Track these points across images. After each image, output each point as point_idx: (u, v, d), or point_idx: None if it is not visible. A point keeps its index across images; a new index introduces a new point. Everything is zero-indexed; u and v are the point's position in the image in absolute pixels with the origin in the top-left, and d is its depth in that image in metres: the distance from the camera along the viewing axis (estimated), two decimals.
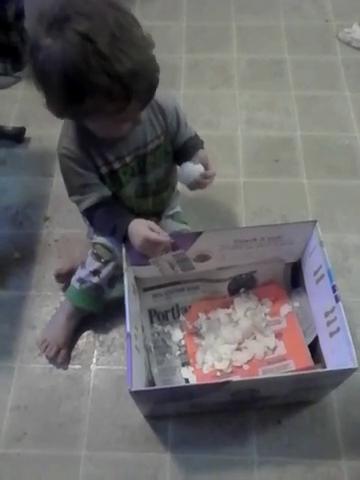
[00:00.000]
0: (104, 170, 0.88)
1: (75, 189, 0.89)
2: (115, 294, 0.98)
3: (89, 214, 0.91)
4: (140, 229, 0.85)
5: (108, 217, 0.89)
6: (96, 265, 0.93)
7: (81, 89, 0.68)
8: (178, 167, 0.91)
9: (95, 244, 0.94)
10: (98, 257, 0.93)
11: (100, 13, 0.66)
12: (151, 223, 0.86)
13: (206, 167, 0.87)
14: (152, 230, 0.84)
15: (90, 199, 0.88)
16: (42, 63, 0.68)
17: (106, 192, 0.90)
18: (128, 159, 0.88)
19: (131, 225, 0.86)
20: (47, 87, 0.71)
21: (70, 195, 0.90)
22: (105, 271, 0.93)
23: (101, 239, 0.93)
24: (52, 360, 0.98)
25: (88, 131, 0.81)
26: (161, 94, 0.86)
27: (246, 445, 0.89)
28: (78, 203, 0.90)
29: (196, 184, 0.87)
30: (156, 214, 1.03)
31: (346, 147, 1.33)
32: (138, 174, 0.92)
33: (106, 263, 0.93)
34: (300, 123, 1.38)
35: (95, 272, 0.93)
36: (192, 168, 0.86)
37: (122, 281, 0.84)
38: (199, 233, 0.88)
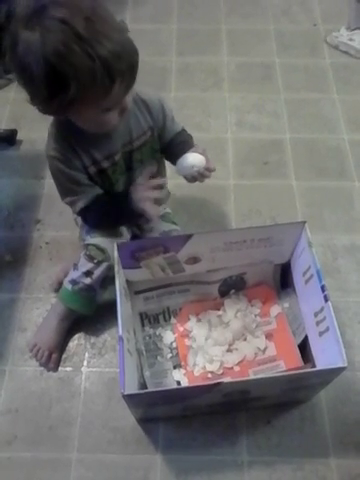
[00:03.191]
0: (92, 170, 0.87)
1: (67, 190, 0.88)
2: (106, 297, 0.98)
3: (84, 213, 0.90)
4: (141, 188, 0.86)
5: (107, 206, 0.89)
6: (89, 266, 0.93)
7: (64, 74, 0.66)
8: (180, 158, 0.86)
9: (88, 245, 0.94)
10: (91, 258, 0.93)
11: (74, 1, 0.67)
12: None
13: (206, 161, 0.86)
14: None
15: (84, 199, 0.88)
16: (22, 56, 0.67)
17: (98, 191, 0.89)
18: (116, 158, 0.88)
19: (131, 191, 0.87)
20: (29, 79, 0.69)
21: (63, 197, 0.90)
22: (98, 272, 0.93)
23: (94, 240, 0.93)
24: (44, 365, 0.98)
25: (74, 130, 0.80)
26: (145, 90, 0.87)
27: (236, 446, 0.90)
28: (72, 204, 0.89)
29: (198, 175, 0.85)
30: None
31: (334, 149, 1.34)
32: (126, 172, 0.91)
33: (99, 264, 0.92)
34: (289, 125, 1.39)
35: (88, 273, 0.93)
36: (197, 158, 0.83)
37: (114, 283, 0.84)
38: (189, 236, 0.89)
